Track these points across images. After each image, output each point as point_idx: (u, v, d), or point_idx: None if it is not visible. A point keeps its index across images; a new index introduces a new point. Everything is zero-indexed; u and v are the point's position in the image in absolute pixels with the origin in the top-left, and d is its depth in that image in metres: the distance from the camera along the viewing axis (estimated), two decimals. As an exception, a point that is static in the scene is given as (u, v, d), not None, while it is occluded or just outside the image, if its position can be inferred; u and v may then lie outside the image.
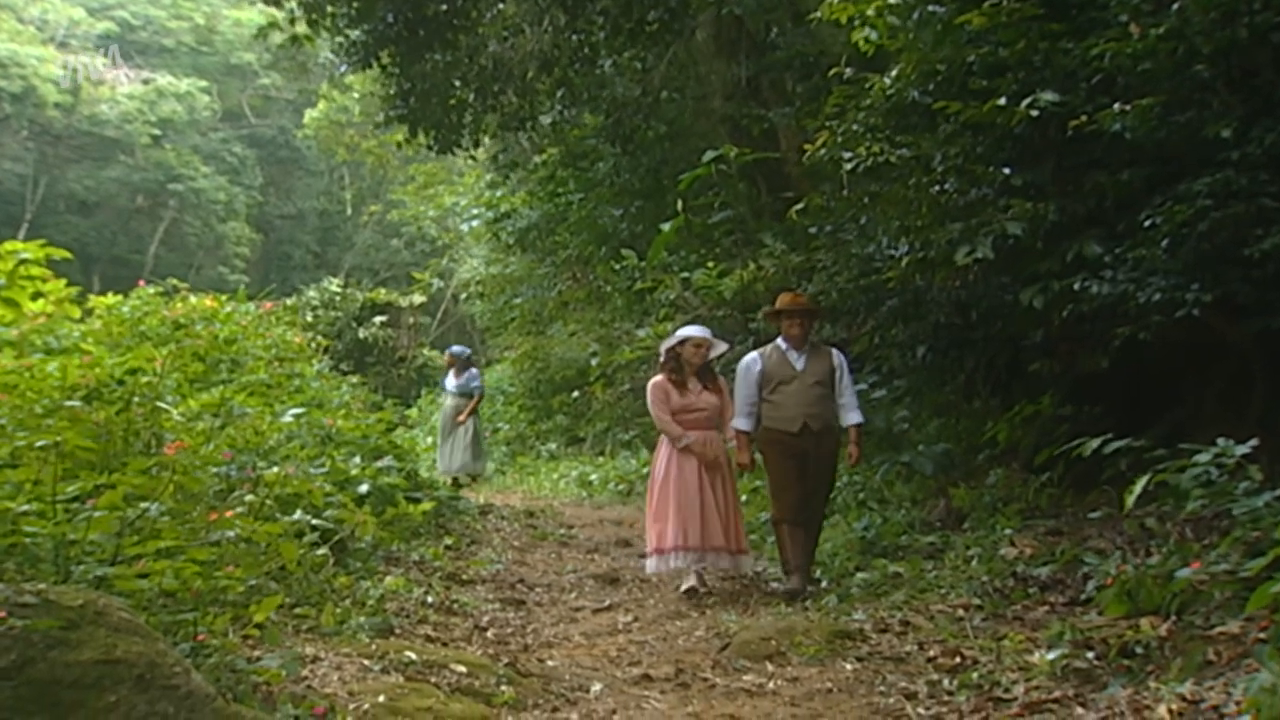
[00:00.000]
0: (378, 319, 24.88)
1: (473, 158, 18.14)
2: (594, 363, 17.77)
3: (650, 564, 8.11)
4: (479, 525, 10.77)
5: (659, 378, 8.16)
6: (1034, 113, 6.84)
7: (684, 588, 7.98)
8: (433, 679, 5.33)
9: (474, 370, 16.65)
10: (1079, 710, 4.96)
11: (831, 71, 8.56)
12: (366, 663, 5.35)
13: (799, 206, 9.13)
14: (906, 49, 7.83)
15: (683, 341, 8.13)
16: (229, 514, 5.57)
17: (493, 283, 22.93)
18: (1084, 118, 6.69)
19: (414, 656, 5.57)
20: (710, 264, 13.64)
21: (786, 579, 7.99)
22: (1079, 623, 5.97)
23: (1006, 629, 6.44)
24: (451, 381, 15.93)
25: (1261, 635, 4.87)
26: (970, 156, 7.52)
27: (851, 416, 7.92)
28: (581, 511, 12.95)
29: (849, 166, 7.74)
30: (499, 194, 21.67)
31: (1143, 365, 7.61)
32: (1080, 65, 7.04)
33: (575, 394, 19.63)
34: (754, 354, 8.08)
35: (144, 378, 6.76)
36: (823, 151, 8.09)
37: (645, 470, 15.06)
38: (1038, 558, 7.38)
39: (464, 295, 27.21)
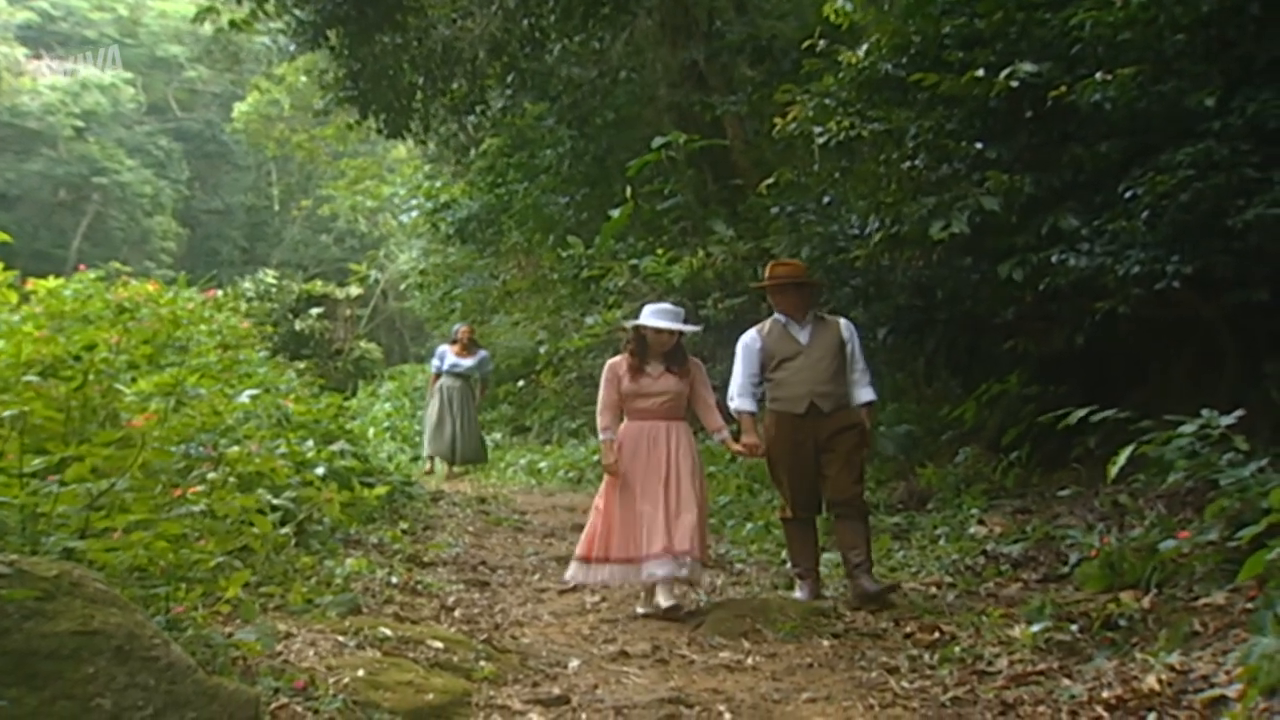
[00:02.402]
0: (314, 311, 24.55)
1: (424, 142, 17.89)
2: (542, 350, 17.62)
3: (570, 570, 7.08)
4: (432, 511, 10.63)
5: (617, 358, 7.21)
6: (1013, 84, 6.81)
7: (664, 605, 6.82)
8: (410, 654, 5.28)
9: (485, 352, 15.65)
10: (1065, 682, 4.99)
11: (806, 43, 8.50)
12: (340, 639, 5.26)
13: (769, 182, 9.03)
14: (879, 21, 7.76)
15: (645, 326, 7.09)
16: (192, 491, 5.48)
17: (435, 272, 22.68)
18: (1063, 88, 6.67)
19: (389, 633, 5.50)
20: (659, 251, 13.58)
21: (797, 585, 7.15)
22: (1058, 597, 6.00)
23: (982, 605, 6.47)
24: (460, 362, 14.83)
25: (1249, 605, 4.90)
26: (941, 132, 7.46)
27: (863, 394, 7.03)
28: (532, 499, 12.81)
29: (821, 140, 7.64)
30: (438, 184, 21.45)
31: (1109, 344, 7.64)
32: (1059, 36, 7.04)
33: (521, 383, 19.47)
34: (753, 330, 7.30)
35: (101, 354, 6.59)
36: (793, 126, 8.00)
37: (595, 458, 14.98)
38: (1008, 536, 7.42)
39: (403, 285, 26.97)
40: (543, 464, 15.80)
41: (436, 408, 14.65)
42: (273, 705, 4.21)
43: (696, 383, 7.14)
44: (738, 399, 7.14)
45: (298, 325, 24.00)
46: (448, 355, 14.89)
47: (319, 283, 26.32)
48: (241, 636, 4.65)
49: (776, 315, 7.20)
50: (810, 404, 6.96)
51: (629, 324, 7.42)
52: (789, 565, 7.36)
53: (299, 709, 4.26)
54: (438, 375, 14.90)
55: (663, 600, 6.83)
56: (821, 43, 8.16)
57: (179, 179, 47.59)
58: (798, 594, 7.03)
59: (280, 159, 40.73)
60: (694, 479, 6.97)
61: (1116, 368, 7.87)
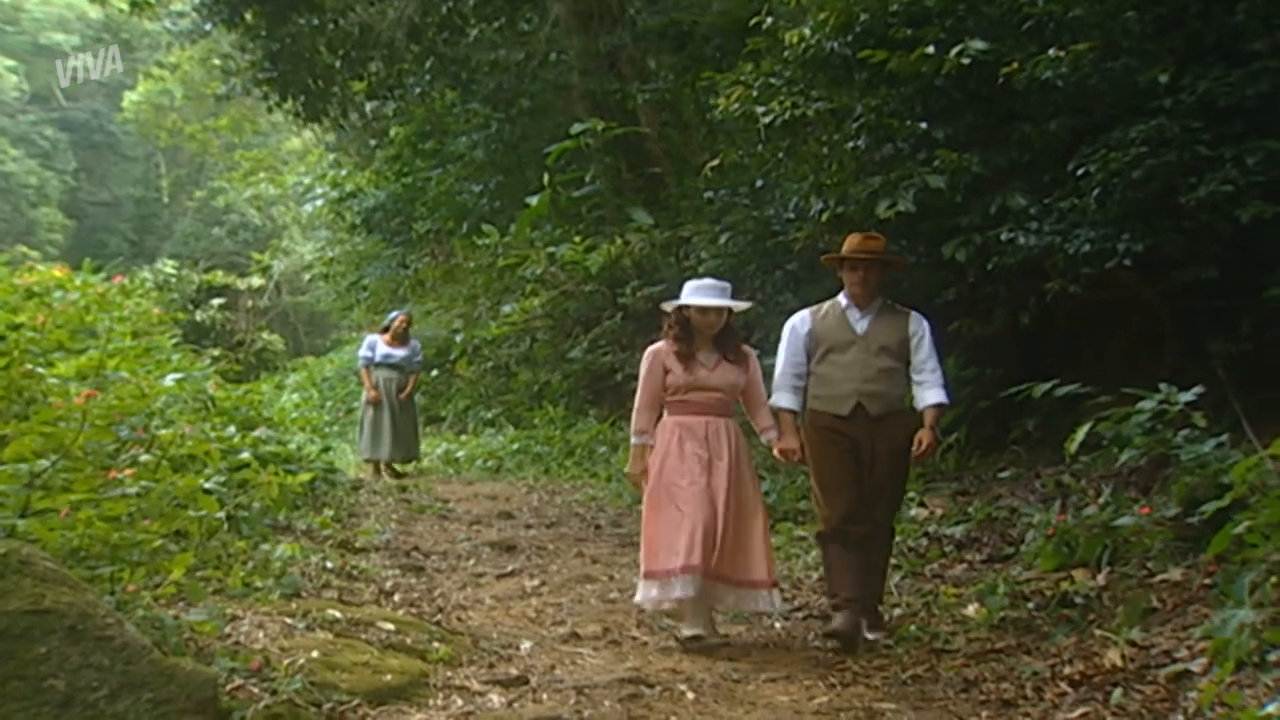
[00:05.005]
0: (215, 302, 24.06)
1: (341, 127, 17.56)
2: (457, 339, 17.41)
3: (639, 592, 5.91)
4: (353, 499, 10.42)
5: (659, 344, 6.09)
6: (965, 61, 6.80)
7: (685, 634, 5.80)
8: (362, 636, 5.22)
9: (416, 342, 14.17)
10: (1025, 658, 5.07)
11: (753, 20, 8.42)
12: (289, 621, 5.17)
13: (713, 164, 8.93)
14: (826, -1, 7.71)
15: (688, 306, 6.01)
16: (127, 472, 5.31)
17: (346, 260, 22.28)
18: (1015, 65, 6.70)
19: (338, 615, 5.43)
20: (577, 239, 13.51)
21: (832, 615, 5.84)
22: (1009, 576, 6.04)
23: (930, 586, 6.50)
24: (393, 352, 13.42)
25: (1207, 581, 4.95)
26: (885, 111, 7.44)
27: (931, 395, 5.89)
28: (453, 488, 12.61)
29: (765, 120, 7.56)
30: (343, 173, 21.18)
31: (1044, 326, 7.71)
32: (1008, 13, 7.07)
33: (434, 372, 19.20)
34: (805, 311, 6.17)
35: (27, 334, 6.37)
36: (736, 106, 7.91)
37: (515, 446, 14.84)
38: (949, 518, 7.46)
39: (306, 277, 26.51)
40: (460, 453, 15.55)
41: (373, 407, 13.33)
42: (229, 686, 4.09)
43: (754, 374, 6.13)
44: (780, 394, 6.04)
45: (199, 316, 23.53)
46: (379, 345, 13.56)
47: (220, 273, 25.79)
48: (191, 618, 4.57)
49: (839, 297, 6.09)
50: (856, 404, 5.88)
51: (669, 305, 6.18)
52: (828, 593, 6.11)
53: (256, 690, 4.17)
54: (369, 368, 13.54)
55: (695, 629, 5.81)
56: (769, 20, 8.05)
57: (65, 169, 46.31)
58: (835, 624, 5.76)
59: (170, 150, 39.97)
60: (756, 489, 6.08)
61: (1052, 350, 7.94)
